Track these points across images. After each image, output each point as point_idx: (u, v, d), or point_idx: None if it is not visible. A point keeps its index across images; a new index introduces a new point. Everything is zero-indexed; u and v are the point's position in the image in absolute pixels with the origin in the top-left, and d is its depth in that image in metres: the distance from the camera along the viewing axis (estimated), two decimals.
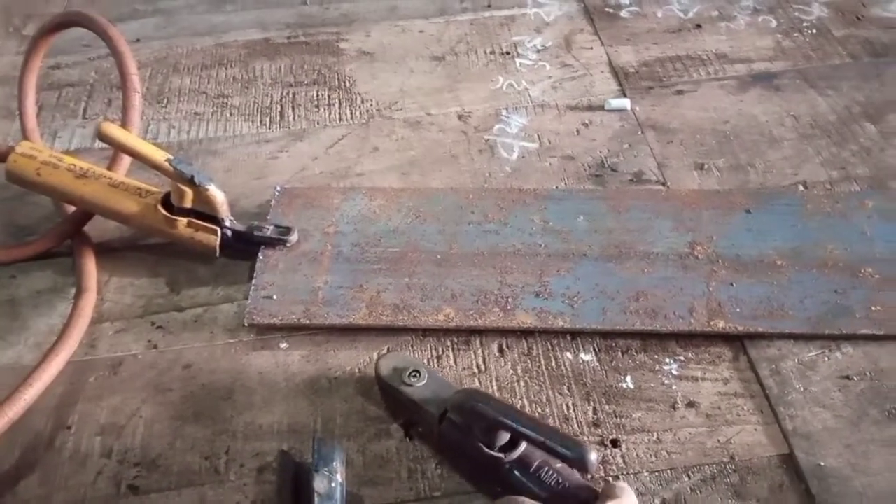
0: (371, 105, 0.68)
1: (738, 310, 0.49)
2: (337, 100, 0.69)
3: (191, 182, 0.51)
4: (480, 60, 0.72)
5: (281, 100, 0.69)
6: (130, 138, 0.51)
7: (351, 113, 0.68)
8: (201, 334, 0.51)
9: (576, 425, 0.46)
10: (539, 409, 0.47)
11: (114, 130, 0.50)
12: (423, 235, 0.55)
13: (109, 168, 0.57)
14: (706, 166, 0.61)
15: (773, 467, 0.44)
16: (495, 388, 0.48)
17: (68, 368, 0.49)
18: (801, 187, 0.59)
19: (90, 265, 0.54)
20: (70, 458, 0.46)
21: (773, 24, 0.75)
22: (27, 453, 0.46)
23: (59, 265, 0.56)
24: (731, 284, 0.51)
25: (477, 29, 0.76)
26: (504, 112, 0.67)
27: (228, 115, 0.68)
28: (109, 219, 0.54)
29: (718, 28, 0.74)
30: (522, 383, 0.48)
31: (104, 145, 0.65)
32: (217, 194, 0.52)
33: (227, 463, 0.45)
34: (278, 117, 0.68)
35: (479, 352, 0.50)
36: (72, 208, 0.57)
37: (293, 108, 0.69)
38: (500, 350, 0.50)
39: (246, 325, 0.51)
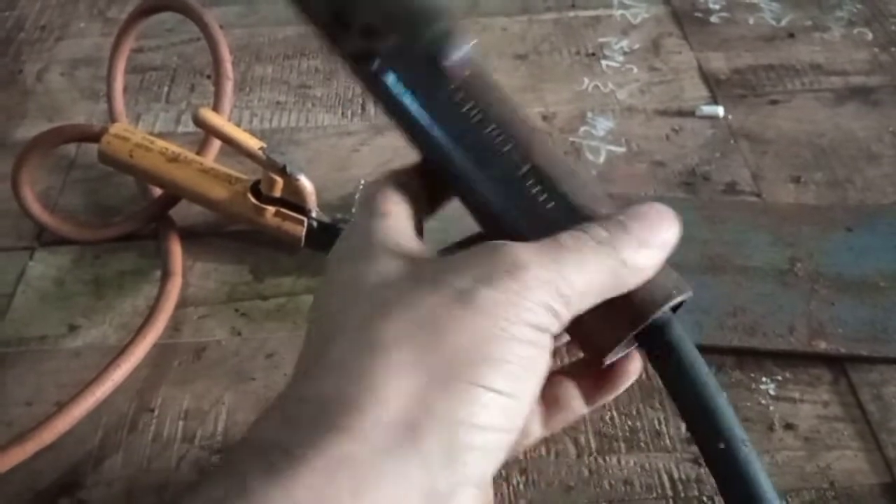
0: None
1: (839, 331, 0.47)
2: None
3: (282, 171, 0.51)
4: (565, 60, 0.71)
5: (363, 93, 0.69)
6: (226, 125, 0.51)
7: None
8: (284, 324, 0.51)
9: (668, 440, 0.44)
10: (629, 423, 0.45)
11: (210, 116, 0.50)
12: None
13: (198, 153, 0.57)
14: (802, 180, 0.58)
15: (875, 496, 0.42)
16: None
17: (153, 351, 0.49)
18: None
19: (176, 249, 0.54)
20: (153, 441, 0.46)
21: (870, 37, 0.72)
22: (110, 434, 0.46)
23: (142, 247, 0.56)
24: (833, 304, 0.49)
25: (561, 28, 0.75)
26: (590, 114, 0.65)
27: (310, 105, 0.68)
28: (198, 204, 0.54)
29: (812, 38, 0.72)
30: None
31: (186, 130, 0.66)
32: (307, 185, 0.52)
33: None
34: (360, 110, 0.67)
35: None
36: (157, 191, 0.57)
37: (375, 101, 0.68)
38: None
39: None
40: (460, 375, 0.21)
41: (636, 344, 0.29)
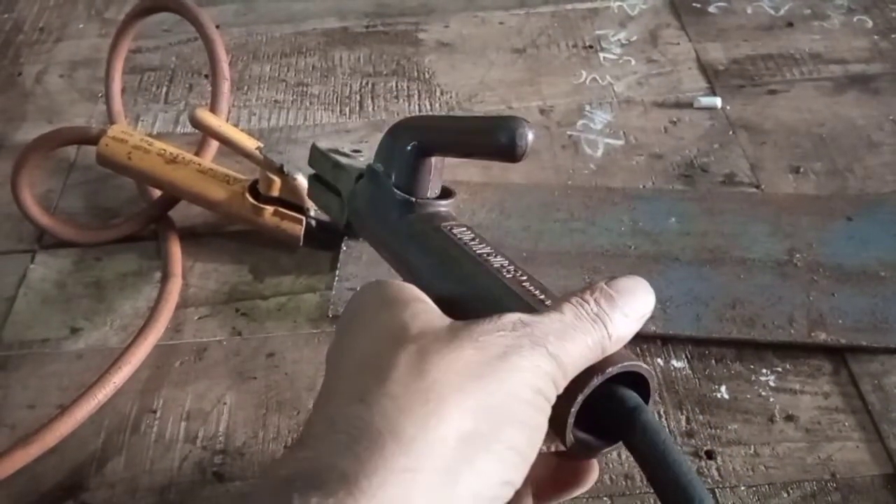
0: (451, 97, 0.67)
1: (839, 321, 0.47)
2: (416, 91, 0.68)
3: (279, 171, 0.51)
4: (562, 54, 0.71)
5: (360, 90, 0.69)
6: (223, 125, 0.51)
7: (430, 105, 0.67)
8: (285, 323, 0.51)
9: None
10: None
11: (207, 117, 0.50)
12: (508, 232, 0.54)
13: (196, 154, 0.57)
14: (802, 170, 0.58)
15: (878, 487, 0.42)
16: None
17: (154, 352, 0.50)
18: None
19: (176, 250, 0.54)
20: (155, 442, 0.46)
21: (869, 24, 0.72)
22: (113, 436, 0.46)
23: (143, 249, 0.57)
24: (833, 295, 0.49)
25: (558, 21, 0.74)
26: (588, 107, 0.65)
27: (308, 103, 0.68)
28: (197, 205, 0.55)
29: (811, 27, 0.71)
30: None
31: (185, 130, 0.66)
32: (304, 184, 0.52)
33: None
34: (358, 107, 0.67)
35: None
36: (156, 192, 0.57)
37: (372, 98, 0.68)
38: None
39: (331, 315, 0.50)
40: (499, 437, 0.24)
41: (614, 442, 0.29)
